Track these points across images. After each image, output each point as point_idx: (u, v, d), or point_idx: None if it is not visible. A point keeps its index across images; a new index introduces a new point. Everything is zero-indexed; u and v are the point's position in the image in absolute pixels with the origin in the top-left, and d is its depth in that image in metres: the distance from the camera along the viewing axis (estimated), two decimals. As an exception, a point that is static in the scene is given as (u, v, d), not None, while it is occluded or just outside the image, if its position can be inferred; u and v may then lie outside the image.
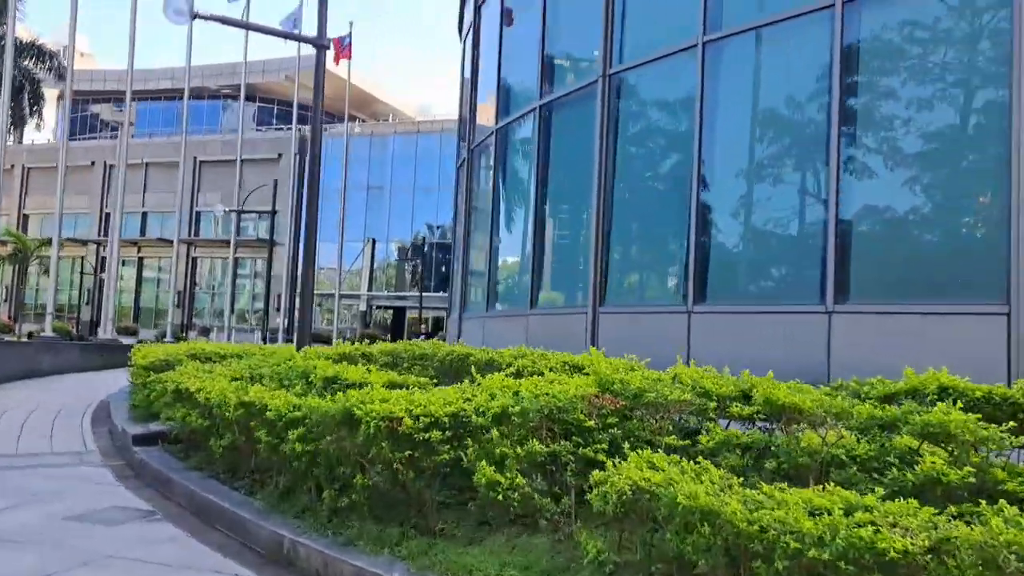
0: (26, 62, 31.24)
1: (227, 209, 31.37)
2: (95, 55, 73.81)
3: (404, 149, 51.82)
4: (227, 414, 5.20)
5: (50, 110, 57.70)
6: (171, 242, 54.77)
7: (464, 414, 4.01)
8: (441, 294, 48.41)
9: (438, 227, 50.54)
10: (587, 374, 5.06)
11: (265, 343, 34.44)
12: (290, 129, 55.76)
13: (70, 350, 18.44)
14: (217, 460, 5.88)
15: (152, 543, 4.59)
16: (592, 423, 4.19)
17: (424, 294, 49.76)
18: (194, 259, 55.24)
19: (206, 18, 10.98)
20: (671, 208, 9.46)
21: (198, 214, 55.70)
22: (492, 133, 13.12)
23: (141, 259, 55.70)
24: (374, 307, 51.09)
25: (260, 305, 54.65)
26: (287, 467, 4.86)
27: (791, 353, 7.38)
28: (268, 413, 4.82)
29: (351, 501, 4.28)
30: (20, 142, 55.09)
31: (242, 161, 54.45)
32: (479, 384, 4.52)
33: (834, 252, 7.44)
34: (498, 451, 3.88)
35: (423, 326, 32.37)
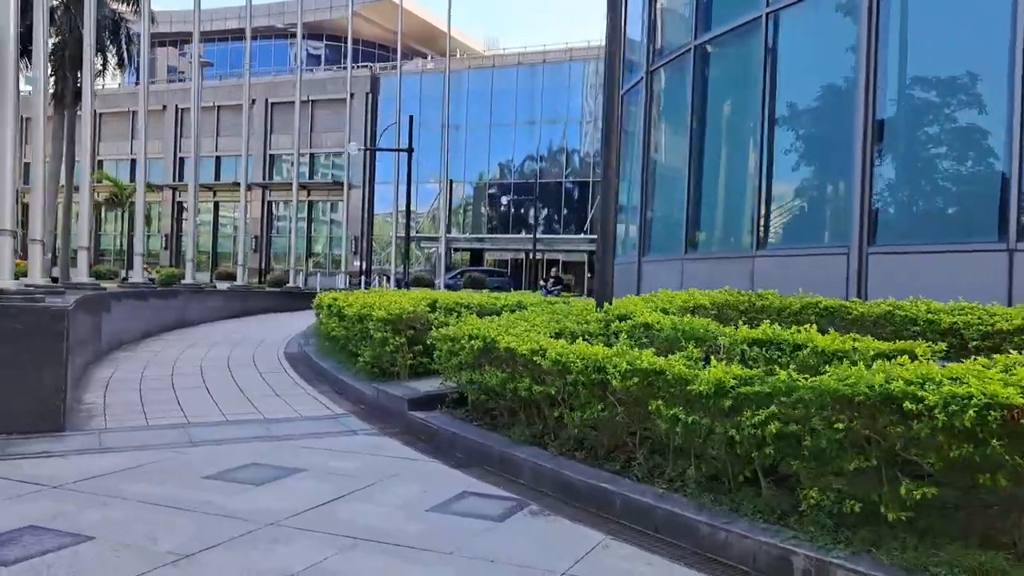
0: (115, 4, 30.32)
1: (360, 147, 30.01)
2: (158, -4, 72.91)
3: (478, 85, 50.06)
4: (615, 382, 4.17)
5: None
6: (247, 186, 54.64)
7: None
8: (523, 235, 47.37)
9: (516, 166, 49.15)
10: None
11: (358, 287, 33.90)
12: (364, 67, 54.45)
13: (214, 297, 17.98)
14: (551, 433, 4.95)
15: (594, 554, 3.64)
16: None
17: (505, 235, 48.78)
18: (269, 203, 54.90)
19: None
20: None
21: (271, 156, 55.16)
22: (688, 49, 11.71)
23: (216, 203, 55.60)
24: (452, 250, 50.21)
25: (336, 250, 54.36)
26: (726, 453, 3.80)
27: None
28: (694, 387, 3.79)
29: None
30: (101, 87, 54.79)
31: (313, 102, 53.63)
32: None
33: None
34: None
35: (554, 270, 31.08)
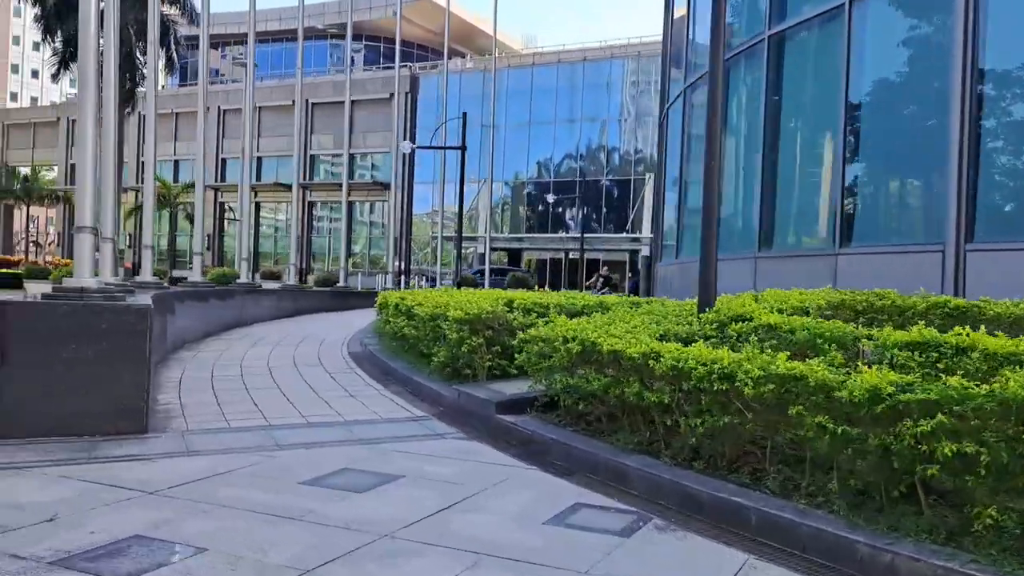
0: (164, 7, 30.67)
1: (413, 146, 29.94)
2: None
3: (518, 84, 49.80)
4: (747, 389, 3.86)
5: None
6: (287, 186, 55.05)
7: None
8: (562, 235, 47.05)
9: (555, 165, 48.79)
10: None
11: (400, 287, 33.87)
12: (403, 67, 54.51)
13: (268, 297, 17.99)
14: (661, 441, 4.65)
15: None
16: None
17: (544, 235, 48.47)
18: (310, 203, 55.26)
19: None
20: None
21: (312, 157, 55.52)
22: (762, 39, 11.31)
23: (258, 204, 56.08)
24: (490, 249, 50.02)
25: (375, 250, 54.53)
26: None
27: None
28: (841, 393, 3.46)
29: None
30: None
31: (353, 102, 53.83)
32: None
33: None
34: None
35: (604, 269, 30.65)
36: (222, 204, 56.11)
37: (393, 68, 55.11)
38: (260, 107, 55.25)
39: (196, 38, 63.08)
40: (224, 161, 57.10)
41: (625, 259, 46.09)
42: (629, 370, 4.69)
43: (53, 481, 4.39)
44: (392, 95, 51.67)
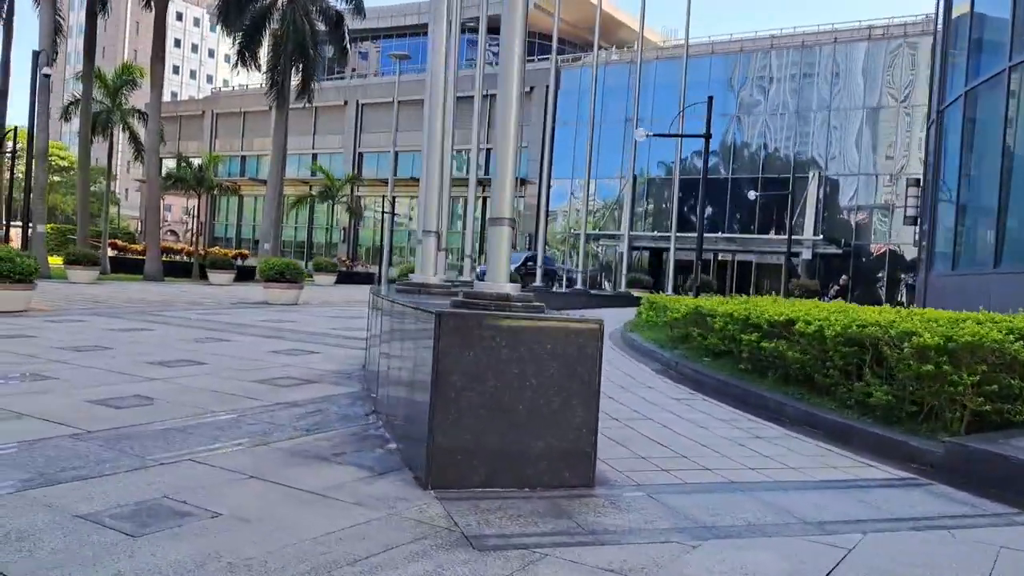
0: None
1: (648, 133, 28.66)
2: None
3: (665, 77, 47.64)
4: None
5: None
6: (476, 182, 54.88)
7: None
8: (714, 234, 44.66)
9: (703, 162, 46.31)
10: None
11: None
12: (542, 60, 53.39)
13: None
14: None
15: None
16: None
17: (691, 234, 46.14)
18: (453, 198, 54.96)
19: None
20: None
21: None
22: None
23: (394, 198, 56.27)
24: (631, 249, 48.16)
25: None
26: None
27: None
28: None
29: None
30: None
31: (491, 96, 53.05)
32: None
33: None
34: None
35: (844, 278, 28.39)
36: (358, 199, 56.56)
37: (533, 61, 54.12)
38: (400, 101, 55.49)
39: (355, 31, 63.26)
40: (362, 155, 57.62)
41: (780, 262, 43.30)
42: None
43: (567, 570, 3.02)
44: (532, 89, 50.62)
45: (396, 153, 56.79)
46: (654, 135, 29.22)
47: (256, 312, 14.26)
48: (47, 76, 22.10)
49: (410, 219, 57.23)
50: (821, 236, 39.22)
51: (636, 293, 28.75)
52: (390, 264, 42.08)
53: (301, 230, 59.54)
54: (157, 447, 4.55)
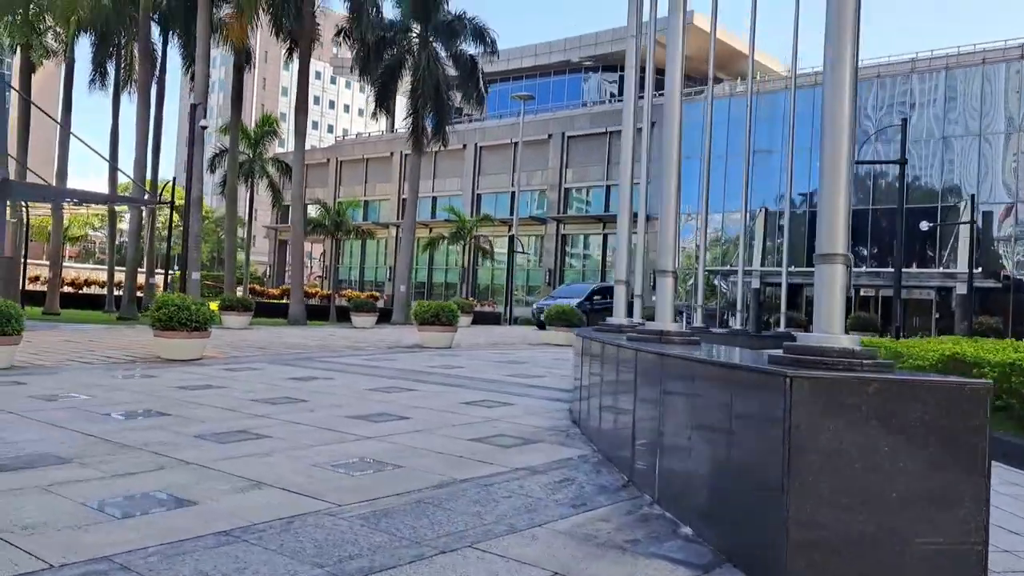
0: (461, 45, 30.77)
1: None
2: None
3: (790, 107, 45.69)
4: None
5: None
6: (541, 220, 54.82)
7: None
8: (863, 269, 42.06)
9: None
10: None
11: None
12: (661, 95, 52.57)
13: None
14: None
15: None
16: None
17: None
18: (563, 236, 54.58)
19: None
20: None
21: (566, 191, 54.92)
22: None
23: (511, 237, 56.41)
24: (764, 285, 46.05)
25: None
26: None
27: None
28: None
29: None
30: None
31: (611, 133, 52.57)
32: None
33: None
34: None
35: None
36: (476, 239, 56.92)
37: (654, 96, 53.18)
38: (516, 142, 55.85)
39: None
40: (480, 196, 58.12)
41: (929, 298, 40.20)
42: None
43: None
44: (652, 124, 49.79)
45: (512, 193, 57.09)
46: (858, 162, 27.71)
47: (417, 357, 13.91)
48: (204, 128, 23.16)
49: (528, 260, 57.05)
50: (979, 269, 36.11)
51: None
52: (514, 303, 41.84)
53: (421, 271, 60.45)
54: (422, 527, 3.94)
